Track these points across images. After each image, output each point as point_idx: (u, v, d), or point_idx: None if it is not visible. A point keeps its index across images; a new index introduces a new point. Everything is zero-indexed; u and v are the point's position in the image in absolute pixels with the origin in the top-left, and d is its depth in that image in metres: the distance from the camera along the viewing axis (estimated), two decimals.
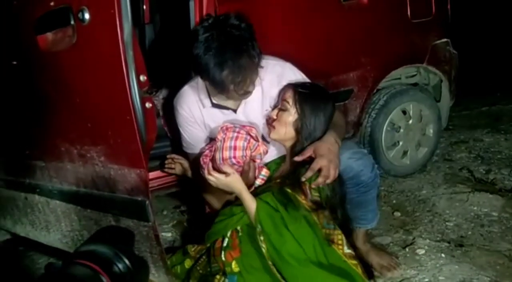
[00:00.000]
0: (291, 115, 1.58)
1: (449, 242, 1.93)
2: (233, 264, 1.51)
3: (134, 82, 1.29)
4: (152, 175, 1.94)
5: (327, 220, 1.49)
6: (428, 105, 2.65)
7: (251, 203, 1.49)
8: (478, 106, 4.11)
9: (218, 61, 1.44)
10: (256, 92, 1.67)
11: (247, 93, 1.58)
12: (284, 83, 1.67)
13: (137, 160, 1.35)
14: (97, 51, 1.35)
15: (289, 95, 1.59)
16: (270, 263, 1.46)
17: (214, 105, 1.70)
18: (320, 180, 1.47)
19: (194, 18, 1.92)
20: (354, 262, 1.48)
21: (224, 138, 1.57)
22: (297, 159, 1.53)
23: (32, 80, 1.63)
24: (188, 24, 1.99)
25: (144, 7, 3.17)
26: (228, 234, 1.55)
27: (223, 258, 1.52)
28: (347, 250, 1.48)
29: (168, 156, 1.89)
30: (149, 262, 1.48)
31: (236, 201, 1.59)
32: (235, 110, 1.71)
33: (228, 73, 1.45)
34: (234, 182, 1.51)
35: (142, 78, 1.33)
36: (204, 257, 1.64)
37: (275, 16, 2.04)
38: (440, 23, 2.63)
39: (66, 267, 1.07)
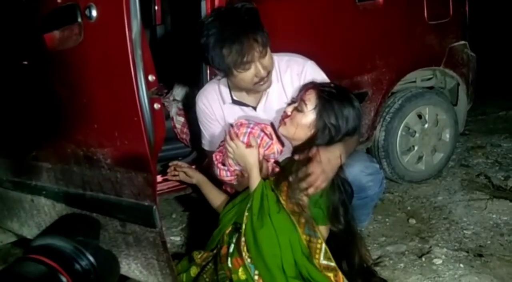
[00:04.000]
0: (306, 118, 1.51)
1: (467, 252, 1.86)
2: (240, 271, 1.48)
3: (142, 82, 1.25)
4: (160, 177, 1.91)
5: (309, 225, 1.45)
6: (444, 109, 2.58)
7: (255, 181, 1.50)
8: (495, 111, 4.03)
9: (217, 39, 1.44)
10: (277, 89, 1.65)
11: (261, 80, 1.53)
12: (305, 81, 1.63)
13: (144, 163, 1.31)
14: (104, 50, 1.31)
15: (310, 99, 1.51)
16: (243, 241, 1.45)
17: (235, 101, 1.69)
18: (303, 184, 1.43)
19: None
20: (329, 274, 1.42)
21: (237, 134, 1.53)
22: (297, 157, 1.49)
23: (39, 80, 1.60)
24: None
25: (156, 8, 3.16)
26: (234, 240, 1.52)
27: (230, 265, 1.48)
28: (323, 261, 1.43)
29: (170, 164, 1.86)
30: (155, 269, 1.43)
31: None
32: (255, 108, 1.68)
33: (227, 51, 1.43)
34: (251, 155, 1.52)
35: (151, 78, 1.28)
36: (210, 264, 1.60)
37: (289, 16, 2.00)
38: (458, 25, 2.57)
39: (16, 264, 0.89)
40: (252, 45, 1.45)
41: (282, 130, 1.56)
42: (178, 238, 2.22)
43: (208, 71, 1.97)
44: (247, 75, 1.51)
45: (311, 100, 1.51)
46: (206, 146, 1.83)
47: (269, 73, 1.56)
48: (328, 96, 1.50)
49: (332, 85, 1.58)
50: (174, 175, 1.83)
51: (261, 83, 1.56)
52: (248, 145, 1.54)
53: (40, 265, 0.82)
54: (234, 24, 1.44)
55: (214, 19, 1.47)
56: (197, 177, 1.78)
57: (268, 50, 1.52)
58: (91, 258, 0.86)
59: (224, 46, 1.43)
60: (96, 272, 0.86)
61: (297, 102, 1.55)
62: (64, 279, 0.83)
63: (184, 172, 1.80)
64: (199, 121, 1.79)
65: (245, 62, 1.46)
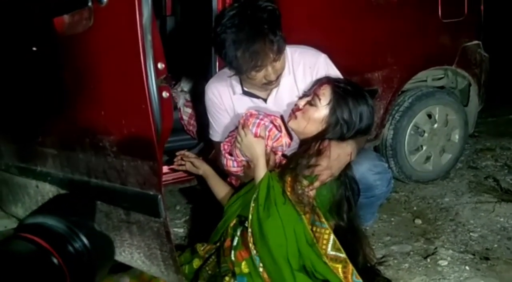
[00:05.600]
0: (319, 113, 1.49)
1: (473, 254, 1.83)
2: (243, 264, 1.46)
3: (152, 69, 1.23)
4: (166, 168, 1.90)
5: (315, 216, 1.44)
6: (455, 110, 2.55)
7: (261, 171, 1.49)
8: (506, 113, 3.98)
9: (233, 39, 1.41)
10: (288, 82, 1.63)
11: (269, 82, 1.52)
12: (318, 75, 1.61)
13: (150, 152, 1.29)
14: (114, 35, 1.29)
15: (324, 93, 1.49)
16: (249, 232, 1.44)
17: (245, 92, 1.67)
18: (307, 170, 1.42)
19: (216, 10, 1.87)
20: (337, 265, 1.40)
21: (246, 123, 1.51)
22: (305, 149, 1.47)
23: (47, 64, 1.58)
24: (210, 16, 1.93)
25: None
26: (238, 233, 1.50)
27: (233, 258, 1.47)
28: (330, 252, 1.41)
29: (177, 153, 1.84)
30: (158, 259, 1.42)
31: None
32: (265, 100, 1.66)
33: (241, 54, 1.41)
34: (258, 145, 1.51)
35: (160, 66, 1.26)
36: (213, 257, 1.59)
37: (302, 9, 1.98)
38: (472, 24, 2.54)
39: (5, 242, 0.82)
40: (267, 52, 1.43)
41: (292, 124, 1.53)
42: (181, 230, 2.22)
43: (217, 63, 1.95)
44: (257, 77, 1.50)
45: (325, 95, 1.48)
46: (213, 136, 1.81)
47: (279, 76, 1.55)
48: (343, 92, 1.48)
49: (347, 81, 1.56)
50: (181, 164, 1.81)
51: (270, 85, 1.55)
52: (257, 135, 1.52)
53: (31, 245, 0.76)
54: (252, 26, 1.40)
55: (235, 14, 1.42)
56: (204, 168, 1.76)
57: (282, 55, 1.50)
58: (85, 240, 0.80)
59: (239, 48, 1.40)
60: (89, 254, 0.80)
61: (311, 96, 1.53)
62: (55, 260, 0.77)
63: (191, 162, 1.78)
64: (207, 111, 1.77)
65: (257, 66, 1.45)
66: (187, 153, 1.83)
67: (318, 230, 1.44)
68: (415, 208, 2.31)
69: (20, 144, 1.91)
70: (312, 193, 1.45)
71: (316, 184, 1.44)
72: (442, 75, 2.62)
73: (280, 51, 1.46)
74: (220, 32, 1.43)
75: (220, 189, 1.73)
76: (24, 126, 1.83)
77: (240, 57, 1.41)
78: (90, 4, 1.30)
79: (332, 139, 1.47)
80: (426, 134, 2.49)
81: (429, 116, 2.49)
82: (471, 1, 2.49)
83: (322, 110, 1.48)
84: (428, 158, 2.54)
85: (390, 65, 2.27)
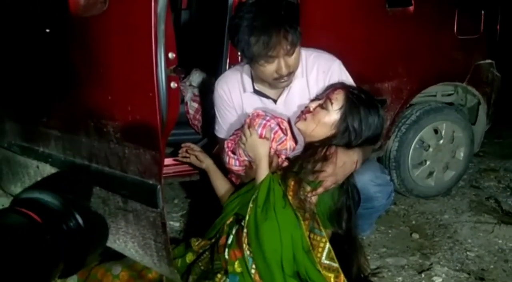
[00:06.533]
0: (329, 117, 1.47)
1: (469, 274, 1.81)
2: (236, 264, 1.45)
3: (162, 58, 1.23)
4: (167, 161, 1.89)
5: (314, 223, 1.43)
6: (462, 127, 2.53)
7: (263, 173, 1.48)
8: None
9: (248, 24, 1.40)
10: (301, 84, 1.62)
11: (281, 77, 1.50)
12: (331, 80, 1.60)
13: (153, 141, 1.28)
14: (127, 21, 1.28)
15: (337, 98, 1.47)
16: (245, 232, 1.42)
17: (256, 91, 1.65)
18: (311, 176, 1.41)
19: (232, 6, 1.87)
20: (329, 274, 1.39)
21: (252, 123, 1.50)
22: (314, 155, 1.45)
23: (57, 45, 1.58)
24: (224, 12, 1.93)
25: None
26: (234, 231, 1.49)
27: (226, 256, 1.46)
28: (324, 260, 1.40)
29: (183, 145, 1.83)
30: (152, 250, 1.41)
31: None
32: (275, 101, 1.65)
33: (255, 41, 1.40)
34: (262, 145, 1.50)
35: (171, 55, 1.26)
36: (207, 253, 1.57)
37: (317, 15, 1.97)
38: (487, 43, 2.52)
39: None
40: (281, 41, 1.41)
41: (300, 125, 1.51)
42: (177, 224, 2.21)
43: (228, 60, 1.94)
44: (268, 69, 1.48)
45: (338, 100, 1.47)
46: (218, 132, 1.80)
47: (291, 73, 1.53)
48: (356, 100, 1.46)
49: (361, 90, 1.54)
50: (185, 157, 1.81)
51: (281, 80, 1.52)
52: (262, 136, 1.51)
53: (23, 218, 0.74)
54: (269, 15, 1.40)
55: (254, 3, 1.43)
56: (207, 162, 1.76)
57: (297, 50, 1.48)
58: (79, 219, 0.78)
59: (253, 34, 1.40)
60: (82, 234, 0.78)
61: (323, 99, 1.51)
62: (47, 236, 0.75)
63: (196, 156, 1.78)
64: (215, 106, 1.75)
65: (269, 55, 1.43)
66: (192, 146, 1.82)
67: (315, 237, 1.43)
68: (413, 222, 2.29)
69: (25, 123, 1.90)
70: (314, 199, 1.44)
71: (320, 190, 1.42)
72: (452, 92, 2.60)
73: (294, 44, 1.44)
74: (236, 18, 1.43)
75: (221, 185, 1.72)
76: (30, 106, 1.83)
77: (252, 42, 1.40)
78: None
79: (338, 146, 1.45)
80: (431, 149, 2.47)
81: (436, 131, 2.47)
82: (487, 20, 2.47)
83: (333, 114, 1.46)
84: (431, 173, 2.52)
85: (401, 76, 2.25)
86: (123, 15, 1.30)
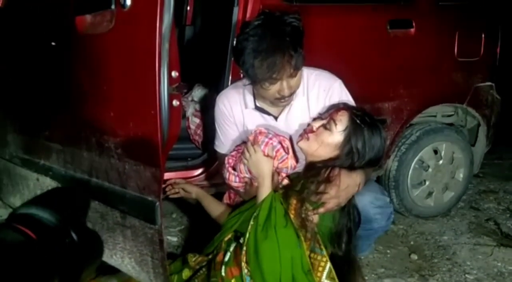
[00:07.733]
0: (333, 138, 1.47)
1: None
2: (233, 281, 1.44)
3: (165, 77, 1.24)
4: (167, 175, 1.90)
5: (315, 243, 1.42)
6: (461, 148, 2.54)
7: (266, 191, 1.47)
8: None
9: (253, 47, 1.42)
10: (301, 103, 1.63)
11: (282, 98, 1.52)
12: (331, 100, 1.61)
13: (154, 158, 1.29)
14: (132, 39, 1.30)
15: (341, 119, 1.47)
16: (244, 250, 1.42)
17: (257, 108, 1.67)
18: (314, 197, 1.40)
19: (236, 24, 1.89)
20: None
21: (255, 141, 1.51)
22: (317, 176, 1.44)
23: (63, 61, 1.60)
24: (229, 29, 1.95)
25: (188, 8, 3.19)
26: (231, 248, 1.49)
27: (223, 274, 1.45)
28: (325, 280, 1.40)
29: (167, 183, 1.85)
30: (148, 266, 1.41)
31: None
32: (276, 118, 1.66)
33: (259, 63, 1.41)
34: (266, 163, 1.50)
35: (174, 74, 1.28)
36: (204, 269, 1.57)
37: (318, 34, 1.99)
38: (487, 65, 2.53)
39: None
40: (284, 66, 1.43)
41: (302, 144, 1.51)
42: (175, 238, 2.20)
43: (230, 76, 1.96)
44: (270, 90, 1.50)
45: (342, 121, 1.47)
46: (218, 147, 1.81)
47: (292, 94, 1.55)
48: (360, 121, 1.46)
49: (364, 111, 1.55)
50: (175, 193, 1.83)
51: (282, 100, 1.55)
52: (264, 154, 1.51)
53: (19, 235, 0.74)
54: (274, 39, 1.42)
55: (259, 25, 1.44)
56: (195, 191, 1.79)
57: (299, 72, 1.51)
58: (75, 236, 0.81)
59: (258, 57, 1.41)
60: (78, 251, 0.78)
61: (326, 119, 1.51)
62: (42, 253, 0.75)
63: (183, 188, 1.80)
64: (215, 121, 1.76)
65: (273, 78, 1.45)
66: (176, 180, 1.86)
67: (316, 256, 1.42)
68: (412, 243, 2.28)
69: (27, 135, 1.92)
70: (315, 218, 1.43)
71: (321, 210, 1.42)
72: (452, 113, 2.61)
73: (297, 68, 1.47)
74: (241, 39, 1.45)
75: (215, 208, 1.74)
76: (33, 118, 1.84)
77: (257, 66, 1.42)
78: (113, 7, 1.32)
79: (341, 168, 1.45)
80: (430, 170, 2.48)
81: (435, 152, 2.48)
82: (487, 43, 2.50)
83: (336, 136, 1.46)
84: (430, 194, 2.52)
85: (401, 97, 2.27)
86: (128, 34, 1.32)
